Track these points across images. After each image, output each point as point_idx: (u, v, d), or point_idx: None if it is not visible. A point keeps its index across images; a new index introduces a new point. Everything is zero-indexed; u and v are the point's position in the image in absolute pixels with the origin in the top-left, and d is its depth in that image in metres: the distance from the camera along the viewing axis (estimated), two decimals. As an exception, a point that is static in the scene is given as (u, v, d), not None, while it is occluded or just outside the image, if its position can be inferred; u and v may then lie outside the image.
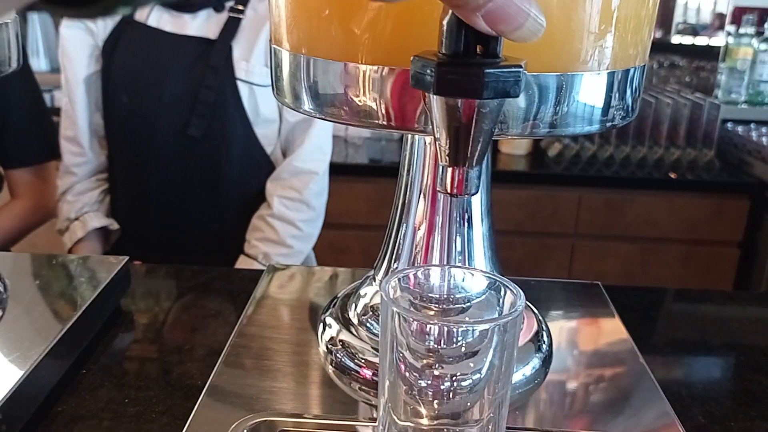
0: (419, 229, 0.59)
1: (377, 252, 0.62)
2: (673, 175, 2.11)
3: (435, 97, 0.39)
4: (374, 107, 0.47)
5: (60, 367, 0.64)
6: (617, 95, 0.48)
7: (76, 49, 1.28)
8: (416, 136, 0.58)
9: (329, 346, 0.60)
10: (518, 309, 0.41)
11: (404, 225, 0.60)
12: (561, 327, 0.70)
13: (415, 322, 0.41)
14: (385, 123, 0.47)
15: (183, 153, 1.27)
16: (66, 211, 1.34)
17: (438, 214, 0.58)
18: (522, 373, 0.58)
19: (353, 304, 0.64)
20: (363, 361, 0.58)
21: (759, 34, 2.34)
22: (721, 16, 2.86)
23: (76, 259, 0.78)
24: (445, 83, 0.37)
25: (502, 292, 0.44)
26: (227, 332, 0.70)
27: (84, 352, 0.69)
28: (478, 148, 0.39)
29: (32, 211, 1.41)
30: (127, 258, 0.78)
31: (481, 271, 0.46)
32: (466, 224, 0.59)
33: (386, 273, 0.61)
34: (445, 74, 0.37)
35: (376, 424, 0.47)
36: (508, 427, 0.49)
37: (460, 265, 0.56)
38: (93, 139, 1.34)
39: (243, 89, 1.25)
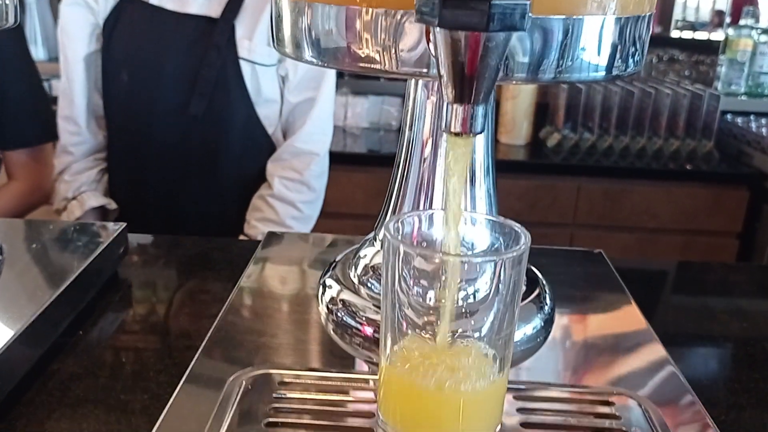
0: (421, 187, 0.58)
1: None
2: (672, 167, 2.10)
3: (440, 31, 0.38)
4: (376, 51, 0.46)
5: (55, 328, 0.63)
6: (624, 42, 0.48)
7: (76, 27, 1.27)
8: (419, 91, 0.57)
9: (330, 306, 0.60)
10: (522, 246, 0.40)
11: (406, 183, 0.59)
12: (564, 291, 0.69)
13: (419, 258, 0.40)
14: (386, 68, 0.47)
15: (183, 132, 1.26)
16: (63, 191, 1.33)
17: (440, 172, 0.57)
18: (523, 332, 0.57)
19: (353, 266, 0.63)
20: (364, 318, 0.57)
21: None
22: (720, 14, 2.86)
23: (73, 225, 0.78)
24: (450, 16, 0.37)
25: (507, 231, 0.43)
26: (226, 297, 0.69)
27: (81, 316, 0.68)
28: (484, 85, 0.38)
29: (29, 193, 1.39)
30: (124, 224, 0.77)
31: (485, 214, 0.45)
32: (468, 182, 0.58)
33: (387, 230, 0.60)
34: (451, 7, 0.36)
35: (377, 376, 0.47)
36: (510, 382, 0.49)
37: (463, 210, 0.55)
38: (90, 118, 1.33)
39: (245, 68, 1.24)
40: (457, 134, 0.40)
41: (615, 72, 0.49)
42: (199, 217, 1.32)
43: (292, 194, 1.29)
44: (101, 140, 1.35)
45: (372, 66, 0.47)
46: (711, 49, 2.62)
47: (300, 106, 1.30)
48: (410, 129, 0.58)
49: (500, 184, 0.59)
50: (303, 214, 1.31)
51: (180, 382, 0.51)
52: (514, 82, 0.46)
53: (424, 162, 0.58)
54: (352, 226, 2.15)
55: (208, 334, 0.57)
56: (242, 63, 1.23)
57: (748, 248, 2.14)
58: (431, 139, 0.57)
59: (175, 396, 0.50)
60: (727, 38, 2.37)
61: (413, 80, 0.57)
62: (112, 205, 1.34)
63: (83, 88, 1.29)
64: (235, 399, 0.49)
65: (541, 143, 2.27)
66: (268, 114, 1.29)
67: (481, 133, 0.40)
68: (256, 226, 1.28)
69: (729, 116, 2.31)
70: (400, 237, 0.44)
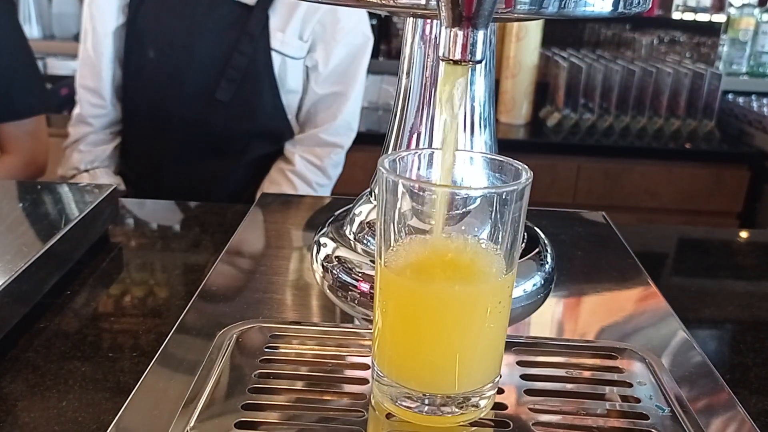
0: (418, 136, 0.57)
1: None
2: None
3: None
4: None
5: (42, 285, 0.61)
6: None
7: (106, 0, 1.25)
8: (416, 36, 0.55)
9: (325, 264, 0.58)
10: (523, 181, 0.39)
11: (403, 132, 0.57)
12: (565, 250, 0.67)
13: (416, 185, 0.38)
14: (388, 3, 0.45)
15: (206, 115, 1.24)
16: (76, 160, 1.31)
17: (437, 120, 0.56)
18: (522, 288, 0.56)
19: (349, 223, 0.61)
20: (360, 274, 0.55)
21: (762, 3, 2.31)
22: (721, -4, 2.83)
23: (62, 185, 0.76)
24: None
25: (506, 168, 0.41)
26: (218, 257, 0.67)
27: (69, 275, 0.66)
28: (485, 5, 0.36)
29: (23, 167, 1.37)
30: (114, 186, 0.75)
31: (483, 153, 0.43)
32: (468, 132, 0.56)
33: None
34: None
35: (372, 329, 0.45)
36: (509, 336, 0.47)
37: (461, 148, 0.53)
38: (113, 92, 1.31)
39: (275, 59, 1.23)
40: (456, 62, 0.38)
41: (620, 10, 0.47)
42: (214, 195, 1.31)
43: (311, 175, 1.29)
44: (119, 114, 1.33)
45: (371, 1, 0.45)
46: (712, 30, 2.59)
47: (326, 98, 1.29)
48: (407, 76, 0.56)
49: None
50: (317, 194, 1.30)
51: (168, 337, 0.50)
52: (515, 15, 0.44)
53: (421, 109, 0.56)
54: (350, 207, 2.15)
55: (198, 289, 0.55)
56: (273, 54, 1.22)
57: (748, 228, 2.13)
58: (428, 86, 0.55)
59: (162, 348, 0.48)
60: (729, 17, 2.35)
61: (410, 26, 0.55)
62: (122, 186, 1.32)
63: (110, 61, 1.27)
64: (226, 350, 0.48)
65: (541, 123, 2.25)
66: (288, 103, 1.29)
67: (481, 62, 0.38)
68: None
69: (730, 96, 2.29)
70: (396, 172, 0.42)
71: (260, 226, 0.70)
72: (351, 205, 0.64)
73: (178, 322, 0.51)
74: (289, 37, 1.23)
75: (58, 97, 2.17)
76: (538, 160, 2.09)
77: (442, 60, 0.39)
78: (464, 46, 0.38)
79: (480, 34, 0.38)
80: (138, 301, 0.63)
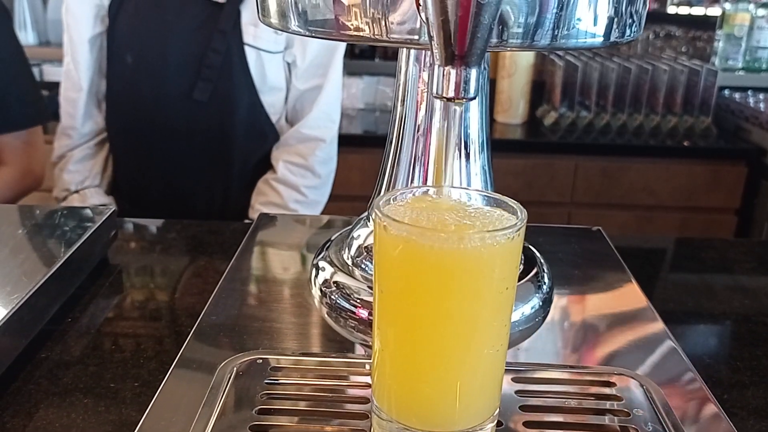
0: (414, 162, 0.57)
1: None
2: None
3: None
4: (364, 19, 0.45)
5: (44, 314, 0.62)
6: (623, 4, 0.46)
7: (81, 7, 1.25)
8: (410, 65, 0.55)
9: (323, 289, 0.58)
10: (518, 224, 0.39)
11: (399, 160, 0.58)
12: (562, 269, 0.68)
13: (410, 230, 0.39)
14: (375, 35, 0.45)
15: (188, 117, 1.24)
16: (67, 181, 1.31)
17: (434, 147, 0.56)
18: (521, 311, 0.56)
19: (347, 247, 0.62)
20: (359, 301, 0.56)
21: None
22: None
23: (61, 210, 0.76)
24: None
25: (502, 209, 0.41)
26: (218, 281, 0.68)
27: (70, 301, 0.67)
28: (477, 44, 0.36)
29: (20, 178, 1.37)
30: (114, 208, 0.76)
31: (479, 190, 0.43)
32: (463, 158, 0.56)
33: (381, 209, 0.58)
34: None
35: (371, 360, 0.45)
36: (508, 363, 0.47)
37: (457, 185, 0.53)
38: (92, 102, 1.31)
39: (250, 54, 1.22)
40: (449, 100, 0.38)
41: (613, 38, 0.47)
42: (204, 203, 1.31)
43: (296, 178, 1.28)
44: (101, 124, 1.33)
45: (360, 35, 0.46)
46: (707, 24, 2.59)
47: (308, 93, 1.28)
48: (402, 104, 0.56)
49: (497, 164, 0.57)
50: (307, 198, 1.29)
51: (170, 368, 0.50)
52: (508, 48, 0.44)
53: (417, 137, 0.56)
54: (349, 208, 2.13)
55: (199, 319, 0.56)
56: (247, 49, 1.22)
57: (746, 224, 2.13)
58: (424, 113, 0.55)
59: (165, 383, 0.49)
60: (724, 13, 2.34)
61: (404, 53, 0.55)
62: (113, 205, 1.32)
63: (88, 69, 1.27)
64: (227, 385, 0.48)
65: (537, 122, 2.25)
66: (273, 102, 1.27)
67: (474, 98, 0.38)
68: (260, 210, 1.27)
69: (726, 92, 2.29)
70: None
71: (258, 249, 0.70)
72: (350, 228, 0.64)
73: (178, 356, 0.51)
74: (262, 31, 1.22)
75: (54, 104, 2.16)
76: (535, 159, 2.09)
77: (435, 97, 0.39)
78: (457, 84, 0.38)
79: (473, 72, 0.38)
80: (138, 329, 0.64)
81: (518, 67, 2.19)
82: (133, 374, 0.57)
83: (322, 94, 1.28)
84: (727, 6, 2.33)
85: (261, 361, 0.51)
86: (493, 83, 2.18)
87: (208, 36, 1.20)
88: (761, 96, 2.25)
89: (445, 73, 0.37)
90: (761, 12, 2.29)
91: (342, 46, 1.30)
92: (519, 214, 0.39)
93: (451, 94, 0.38)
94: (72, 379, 0.56)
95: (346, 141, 2.10)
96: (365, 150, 2.09)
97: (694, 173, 2.09)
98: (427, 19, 0.37)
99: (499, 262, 0.38)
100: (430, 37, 0.37)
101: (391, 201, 0.41)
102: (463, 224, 0.38)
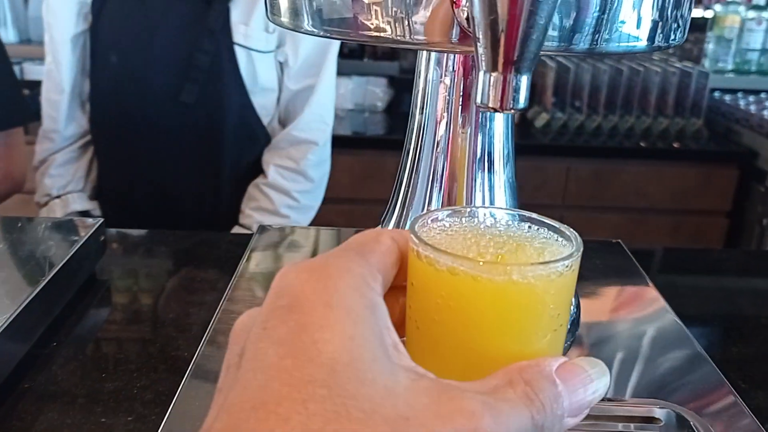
0: (434, 176, 0.52)
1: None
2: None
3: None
4: (385, 18, 0.40)
5: (28, 338, 0.57)
6: (667, 8, 0.42)
7: (63, 6, 1.18)
8: (431, 69, 0.51)
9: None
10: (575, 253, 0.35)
11: (417, 173, 0.53)
12: (586, 287, 0.64)
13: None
14: (397, 36, 0.40)
15: (175, 119, 1.18)
16: (48, 186, 1.24)
17: (455, 158, 0.51)
18: (548, 334, 0.52)
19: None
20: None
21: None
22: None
23: (46, 222, 0.70)
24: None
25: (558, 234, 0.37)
26: (215, 300, 0.63)
27: (55, 322, 0.61)
28: (530, 47, 0.32)
29: None
30: (101, 220, 0.70)
31: (508, 209, 0.39)
32: (486, 170, 0.52)
33: (397, 224, 0.54)
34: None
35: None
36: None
37: (487, 205, 0.49)
38: (75, 103, 1.25)
39: (240, 55, 1.17)
40: (495, 110, 0.34)
41: (655, 43, 0.43)
42: (192, 208, 1.25)
43: (288, 183, 1.23)
44: (84, 126, 1.27)
45: (383, 36, 0.41)
46: (696, 26, 2.58)
47: (300, 93, 1.23)
48: (421, 112, 0.52)
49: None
50: (299, 203, 1.24)
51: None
52: (542, 53, 0.40)
53: (437, 148, 0.52)
54: (338, 211, 2.10)
55: (197, 354, 0.51)
56: (237, 49, 1.16)
57: (737, 227, 2.12)
58: (445, 122, 0.51)
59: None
60: (714, 15, 2.33)
61: (424, 57, 0.51)
62: (97, 211, 1.26)
63: (70, 70, 1.21)
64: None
65: (529, 124, 2.22)
66: (264, 103, 1.22)
67: (524, 109, 0.34)
68: (251, 215, 1.22)
69: (717, 94, 2.28)
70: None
71: (258, 270, 0.65)
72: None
73: (176, 397, 0.46)
74: (253, 29, 1.17)
75: (36, 104, 2.09)
76: (527, 161, 2.06)
77: (479, 107, 0.35)
78: (506, 93, 0.34)
79: (524, 79, 0.34)
80: (131, 354, 0.59)
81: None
82: (125, 407, 0.52)
83: (315, 95, 1.22)
84: (718, 8, 2.32)
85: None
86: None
87: (195, 35, 1.14)
88: (751, 98, 2.24)
89: (492, 80, 0.33)
90: (751, 14, 2.28)
91: (336, 45, 1.25)
92: (574, 241, 0.35)
93: (498, 104, 0.33)
94: (58, 414, 0.51)
95: (335, 142, 2.04)
96: (354, 151, 2.05)
97: (685, 176, 2.08)
98: (472, 18, 0.32)
99: (554, 295, 0.33)
100: (476, 39, 0.33)
101: (429, 222, 0.37)
102: (518, 254, 0.34)
